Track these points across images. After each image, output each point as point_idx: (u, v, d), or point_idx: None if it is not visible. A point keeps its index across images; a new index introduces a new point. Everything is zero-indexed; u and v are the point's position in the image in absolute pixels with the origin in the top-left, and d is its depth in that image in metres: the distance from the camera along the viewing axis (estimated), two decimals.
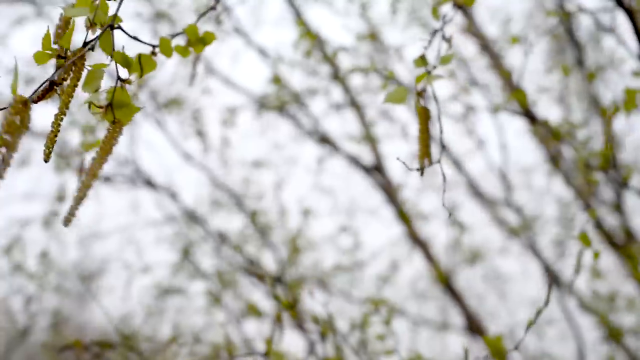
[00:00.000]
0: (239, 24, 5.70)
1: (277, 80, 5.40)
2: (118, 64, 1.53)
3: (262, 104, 5.64)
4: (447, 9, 2.07)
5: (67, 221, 1.43)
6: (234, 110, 5.64)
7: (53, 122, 1.45)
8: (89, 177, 1.46)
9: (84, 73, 1.50)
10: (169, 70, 5.56)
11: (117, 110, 1.50)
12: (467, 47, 5.73)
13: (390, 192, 6.05)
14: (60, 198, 4.97)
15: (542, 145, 5.81)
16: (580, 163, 3.44)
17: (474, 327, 5.89)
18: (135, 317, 6.32)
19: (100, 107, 1.50)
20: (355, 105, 5.84)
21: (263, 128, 5.95)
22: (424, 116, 1.77)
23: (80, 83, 1.50)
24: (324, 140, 5.96)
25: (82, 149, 2.91)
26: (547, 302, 2.12)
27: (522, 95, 3.70)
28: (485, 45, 5.82)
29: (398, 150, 5.98)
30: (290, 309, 2.83)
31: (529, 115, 4.36)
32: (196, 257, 6.02)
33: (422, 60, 1.84)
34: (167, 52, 1.66)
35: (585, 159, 3.40)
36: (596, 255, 2.73)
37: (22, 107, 1.38)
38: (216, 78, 5.92)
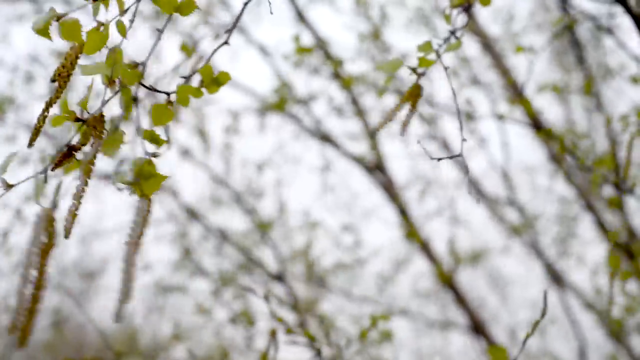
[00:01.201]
0: (236, 15, 5.68)
1: (281, 88, 5.38)
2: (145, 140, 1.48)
3: (265, 106, 5.63)
4: (456, 11, 2.05)
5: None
6: (237, 115, 5.63)
7: (75, 195, 1.38)
8: (129, 264, 1.38)
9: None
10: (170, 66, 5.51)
11: (144, 183, 1.45)
12: (469, 46, 5.71)
13: (391, 191, 6.03)
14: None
15: (544, 144, 5.80)
16: (593, 177, 3.41)
17: (476, 326, 5.87)
18: (136, 316, 6.32)
19: (127, 182, 1.45)
20: (356, 105, 5.82)
21: (264, 127, 5.93)
22: (416, 93, 1.76)
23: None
24: (326, 139, 5.95)
25: None
26: (543, 314, 2.10)
27: (528, 104, 3.68)
28: (487, 44, 5.80)
29: (399, 149, 5.97)
30: (287, 326, 2.81)
31: (534, 124, 4.35)
32: (197, 255, 6.01)
33: (427, 45, 1.81)
34: (184, 102, 1.58)
35: (596, 173, 3.38)
36: (626, 275, 2.68)
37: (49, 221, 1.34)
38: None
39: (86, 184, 1.40)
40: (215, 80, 1.64)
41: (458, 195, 6.25)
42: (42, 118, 1.45)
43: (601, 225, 5.66)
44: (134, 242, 1.41)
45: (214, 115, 5.88)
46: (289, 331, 2.84)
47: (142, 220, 1.43)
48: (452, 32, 1.89)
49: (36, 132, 1.45)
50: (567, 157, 5.29)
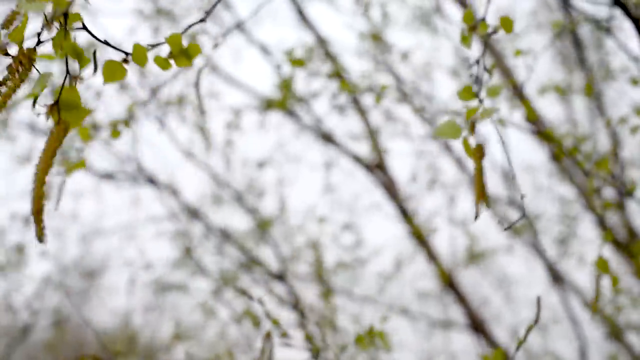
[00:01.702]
0: (240, 20, 5.68)
1: (282, 85, 5.35)
2: (68, 57, 1.37)
3: (266, 104, 5.62)
4: (479, 38, 2.01)
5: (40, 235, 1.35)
6: (239, 112, 5.61)
7: None
8: (36, 188, 1.34)
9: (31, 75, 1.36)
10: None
11: (65, 111, 1.37)
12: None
13: (392, 190, 6.02)
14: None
15: (544, 144, 5.79)
16: (589, 180, 3.40)
17: (476, 326, 5.87)
18: (136, 315, 6.31)
19: (45, 105, 1.37)
20: (357, 104, 5.81)
21: (265, 126, 5.92)
22: (479, 154, 1.63)
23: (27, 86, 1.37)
24: (327, 138, 5.94)
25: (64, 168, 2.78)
26: (536, 320, 2.09)
27: (528, 105, 3.67)
28: (488, 44, 5.77)
29: (400, 148, 5.96)
30: (281, 328, 2.81)
31: (535, 125, 4.35)
32: (198, 253, 6.01)
33: (468, 92, 1.70)
34: (141, 62, 1.47)
35: (591, 175, 3.37)
36: (615, 281, 2.66)
37: None
38: (218, 76, 5.90)
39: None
40: (184, 52, 1.53)
41: (458, 195, 6.23)
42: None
43: (602, 225, 5.65)
44: (43, 166, 1.36)
45: (215, 113, 5.87)
46: (283, 335, 2.83)
47: (52, 147, 1.37)
48: (478, 61, 1.84)
49: None
50: (567, 159, 5.30)
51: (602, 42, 5.72)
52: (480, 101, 1.76)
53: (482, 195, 1.63)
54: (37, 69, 1.37)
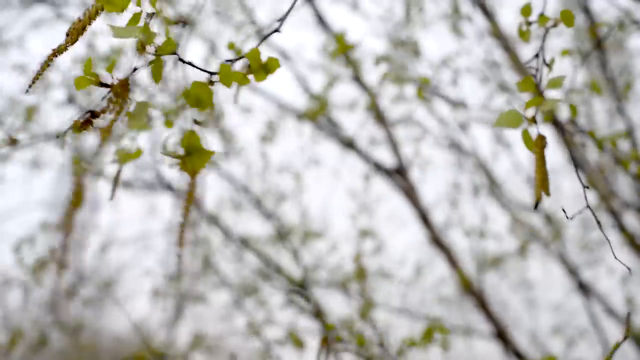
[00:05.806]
0: (260, 26, 5.62)
1: (319, 100, 5.27)
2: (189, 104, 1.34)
3: (300, 116, 5.56)
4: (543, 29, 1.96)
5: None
6: (274, 124, 5.55)
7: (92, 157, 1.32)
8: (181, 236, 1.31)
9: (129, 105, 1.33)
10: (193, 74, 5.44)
11: (191, 158, 1.35)
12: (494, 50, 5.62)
13: (412, 195, 5.95)
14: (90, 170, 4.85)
15: (565, 147, 5.73)
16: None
17: (499, 333, 5.79)
18: (153, 325, 6.25)
19: (177, 156, 1.34)
20: (377, 110, 5.74)
21: (285, 132, 5.87)
22: (541, 145, 1.58)
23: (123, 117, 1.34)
24: (346, 143, 5.87)
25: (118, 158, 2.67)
26: (626, 337, 1.99)
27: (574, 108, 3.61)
28: (508, 47, 5.71)
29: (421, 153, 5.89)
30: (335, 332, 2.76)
31: (560, 127, 4.28)
32: (217, 262, 5.95)
33: (529, 83, 1.63)
34: (227, 82, 1.41)
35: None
36: None
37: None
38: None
39: (101, 150, 1.35)
40: (263, 67, 1.46)
41: (481, 202, 6.15)
42: (46, 64, 1.35)
43: (623, 230, 5.58)
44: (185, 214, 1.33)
45: (237, 121, 5.82)
46: (338, 339, 2.80)
47: (191, 196, 1.34)
48: (537, 54, 1.77)
49: (36, 77, 1.36)
50: (585, 150, 5.23)
51: (624, 42, 5.67)
52: (541, 93, 1.72)
53: (543, 185, 1.60)
54: (132, 99, 1.31)
